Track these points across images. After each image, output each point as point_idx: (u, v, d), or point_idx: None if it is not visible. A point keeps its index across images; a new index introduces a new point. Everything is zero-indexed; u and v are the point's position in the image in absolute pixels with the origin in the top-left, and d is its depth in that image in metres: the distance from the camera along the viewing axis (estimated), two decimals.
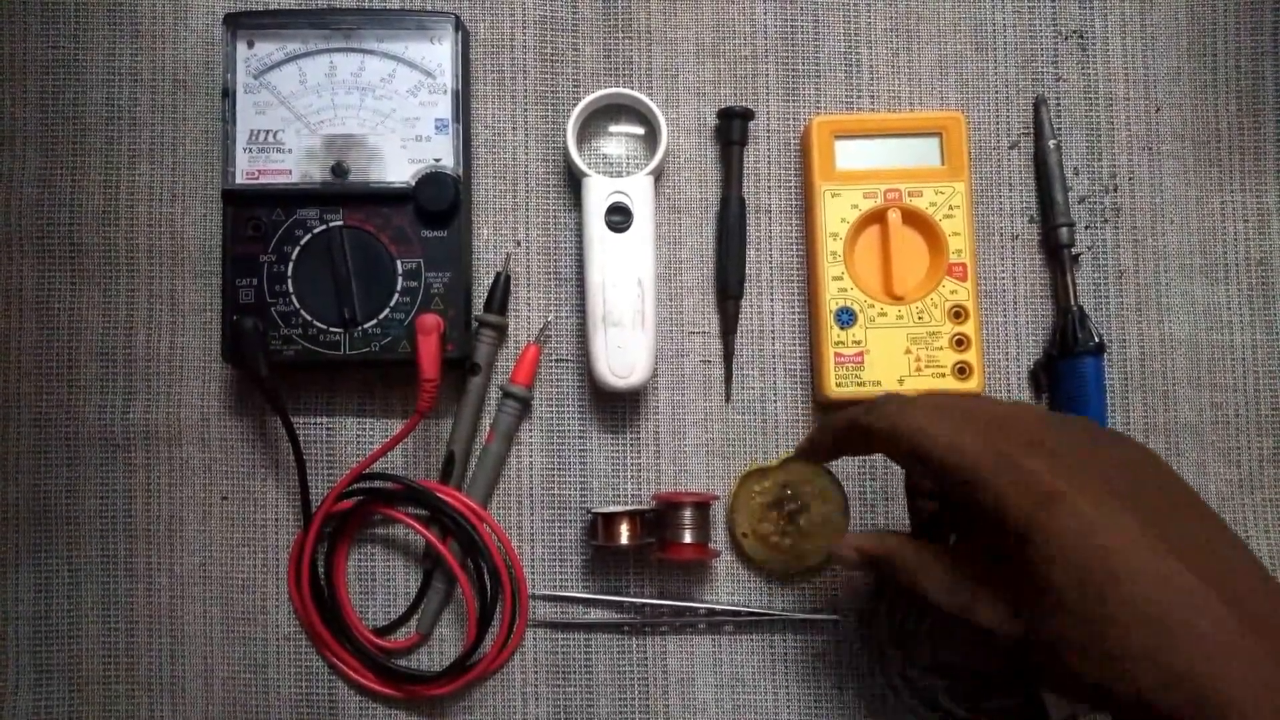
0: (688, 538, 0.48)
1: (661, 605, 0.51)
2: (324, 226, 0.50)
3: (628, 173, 0.53)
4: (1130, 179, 0.54)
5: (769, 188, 0.54)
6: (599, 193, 0.50)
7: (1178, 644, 0.31)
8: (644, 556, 0.52)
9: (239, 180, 0.50)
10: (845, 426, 0.42)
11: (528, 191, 0.54)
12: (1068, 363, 0.51)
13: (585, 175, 0.51)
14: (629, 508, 0.49)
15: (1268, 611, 0.32)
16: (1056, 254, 0.53)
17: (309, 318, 0.50)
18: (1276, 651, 0.31)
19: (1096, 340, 0.51)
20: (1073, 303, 0.52)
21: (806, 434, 0.47)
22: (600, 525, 0.49)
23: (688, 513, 0.49)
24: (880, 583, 0.48)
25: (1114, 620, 0.32)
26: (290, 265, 0.50)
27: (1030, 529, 0.34)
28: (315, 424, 0.52)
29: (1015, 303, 0.53)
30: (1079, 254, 0.53)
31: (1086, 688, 0.33)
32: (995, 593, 0.37)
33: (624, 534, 0.49)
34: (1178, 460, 0.52)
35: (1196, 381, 0.53)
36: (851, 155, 0.52)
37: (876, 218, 0.52)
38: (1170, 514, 0.35)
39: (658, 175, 0.53)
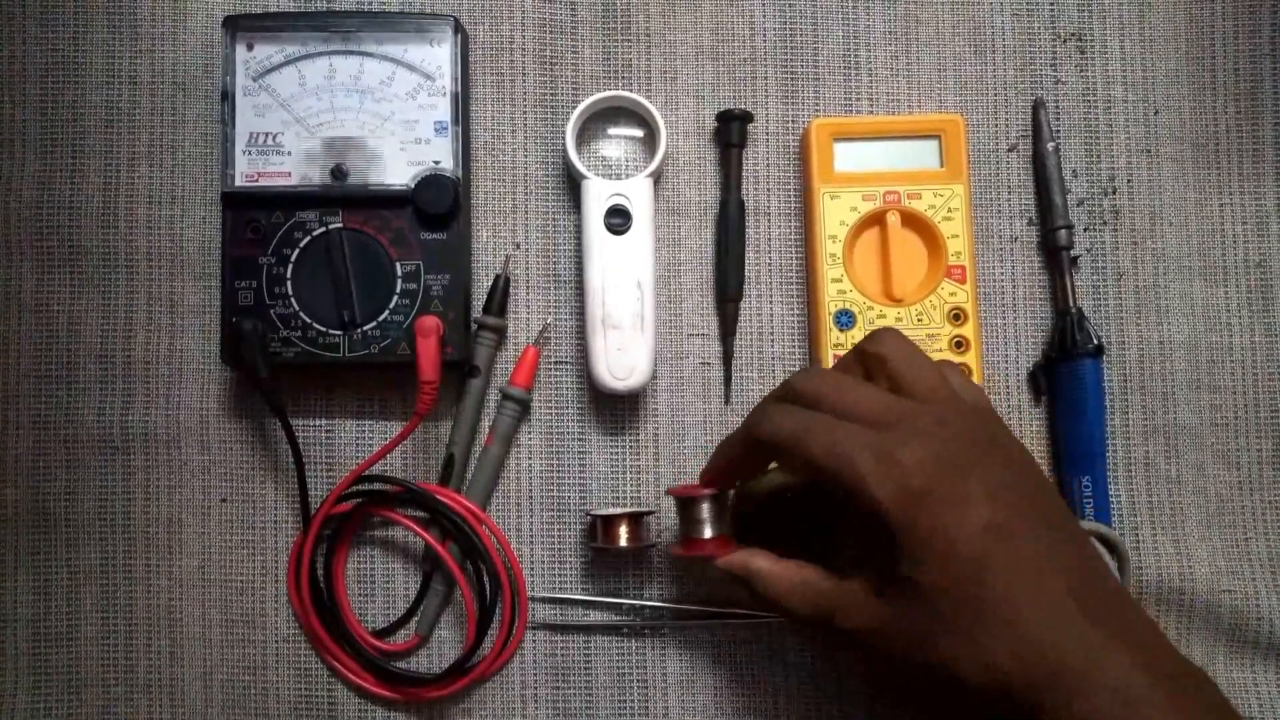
0: (707, 532, 0.46)
1: (661, 607, 0.51)
2: (323, 229, 0.50)
3: (627, 175, 0.53)
4: (1129, 181, 0.54)
5: (768, 190, 0.54)
6: (598, 195, 0.50)
7: (1032, 628, 0.35)
8: (644, 558, 0.52)
9: (238, 183, 0.50)
10: (740, 440, 0.43)
11: (527, 194, 0.54)
12: (1067, 365, 0.51)
13: (584, 178, 0.51)
14: (628, 509, 0.49)
15: (1101, 598, 0.37)
16: (1055, 256, 0.53)
17: (308, 320, 0.50)
18: (1112, 634, 0.35)
19: (1095, 342, 0.51)
20: (1072, 305, 0.52)
21: (709, 459, 0.46)
22: (600, 527, 0.49)
23: (705, 506, 0.46)
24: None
25: (977, 607, 0.36)
26: (289, 267, 0.50)
27: (899, 525, 0.36)
28: (314, 426, 0.52)
29: (1014, 305, 0.53)
30: (1078, 256, 0.53)
31: (948, 672, 0.36)
32: (856, 596, 0.39)
33: (623, 536, 0.49)
34: (1177, 463, 0.53)
35: (1196, 384, 0.53)
36: (850, 157, 0.52)
37: (875, 220, 0.52)
38: (1030, 506, 0.38)
39: (657, 178, 0.53)
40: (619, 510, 0.49)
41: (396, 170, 0.50)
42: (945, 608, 0.36)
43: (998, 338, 0.53)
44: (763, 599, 0.42)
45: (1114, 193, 0.54)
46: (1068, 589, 0.36)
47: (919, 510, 0.36)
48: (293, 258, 0.50)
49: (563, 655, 0.51)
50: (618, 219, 0.50)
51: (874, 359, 0.41)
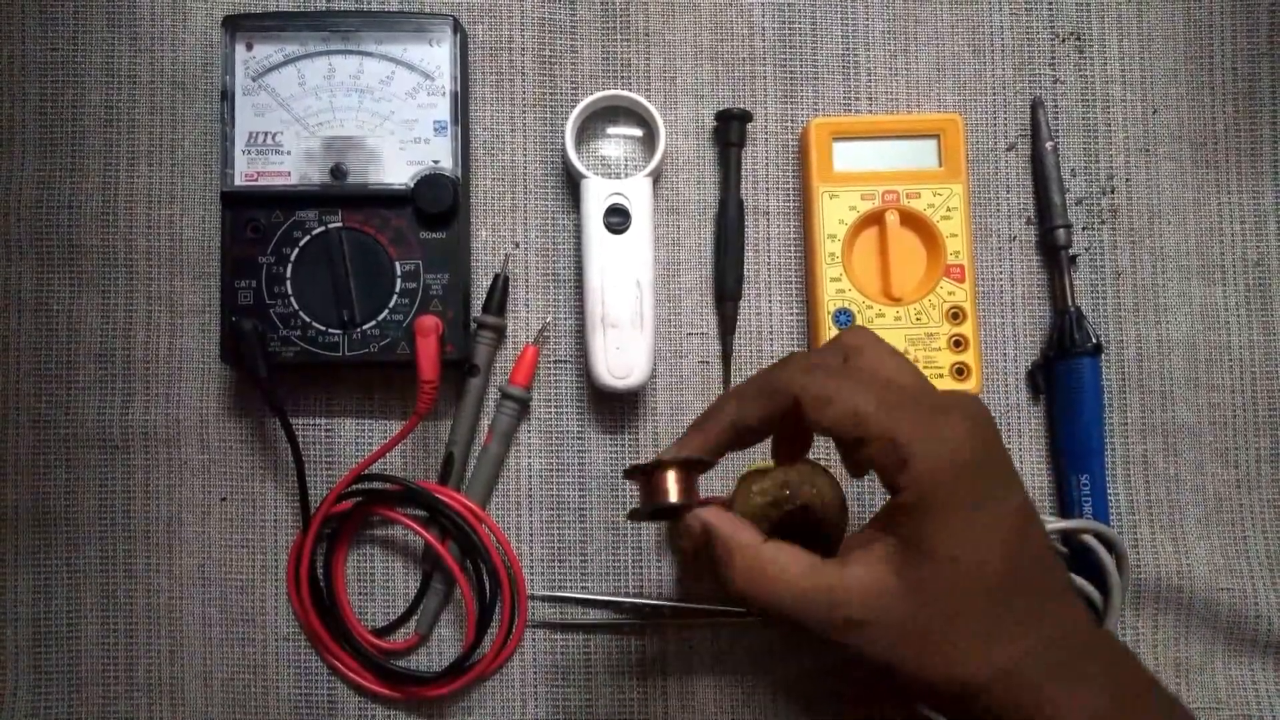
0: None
1: (661, 606, 0.51)
2: (323, 228, 0.50)
3: (626, 174, 0.53)
4: (1127, 180, 0.54)
5: (767, 189, 0.54)
6: (597, 194, 0.50)
7: (1047, 625, 0.34)
8: (644, 557, 0.52)
9: (238, 182, 0.50)
10: (755, 393, 0.37)
11: (526, 193, 0.54)
12: (1065, 364, 0.51)
13: (584, 177, 0.51)
14: (677, 456, 0.38)
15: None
16: (1054, 255, 0.53)
17: (308, 319, 0.50)
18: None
19: (1094, 341, 0.51)
20: (1070, 304, 0.52)
21: (690, 431, 0.38)
22: (643, 484, 0.38)
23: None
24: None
25: (1007, 595, 0.33)
26: (289, 267, 0.50)
27: (941, 499, 0.33)
28: (314, 425, 0.52)
29: (1013, 304, 0.54)
30: (1076, 255, 0.54)
31: (938, 673, 0.34)
32: (862, 582, 0.34)
33: (672, 489, 0.37)
34: (1175, 461, 0.53)
35: (1194, 382, 0.53)
36: (849, 157, 0.52)
37: (874, 219, 0.52)
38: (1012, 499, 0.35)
39: (656, 177, 0.53)
40: (665, 456, 0.38)
41: (396, 170, 0.50)
42: (974, 594, 0.33)
43: (996, 336, 0.53)
44: (737, 580, 0.35)
45: (1112, 192, 0.54)
46: (1063, 584, 0.36)
47: (963, 483, 0.33)
48: (292, 257, 0.50)
49: (562, 654, 0.51)
50: (617, 218, 0.50)
51: (853, 350, 0.38)
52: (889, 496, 0.35)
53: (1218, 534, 0.52)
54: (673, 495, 0.37)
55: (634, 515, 0.39)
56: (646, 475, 0.38)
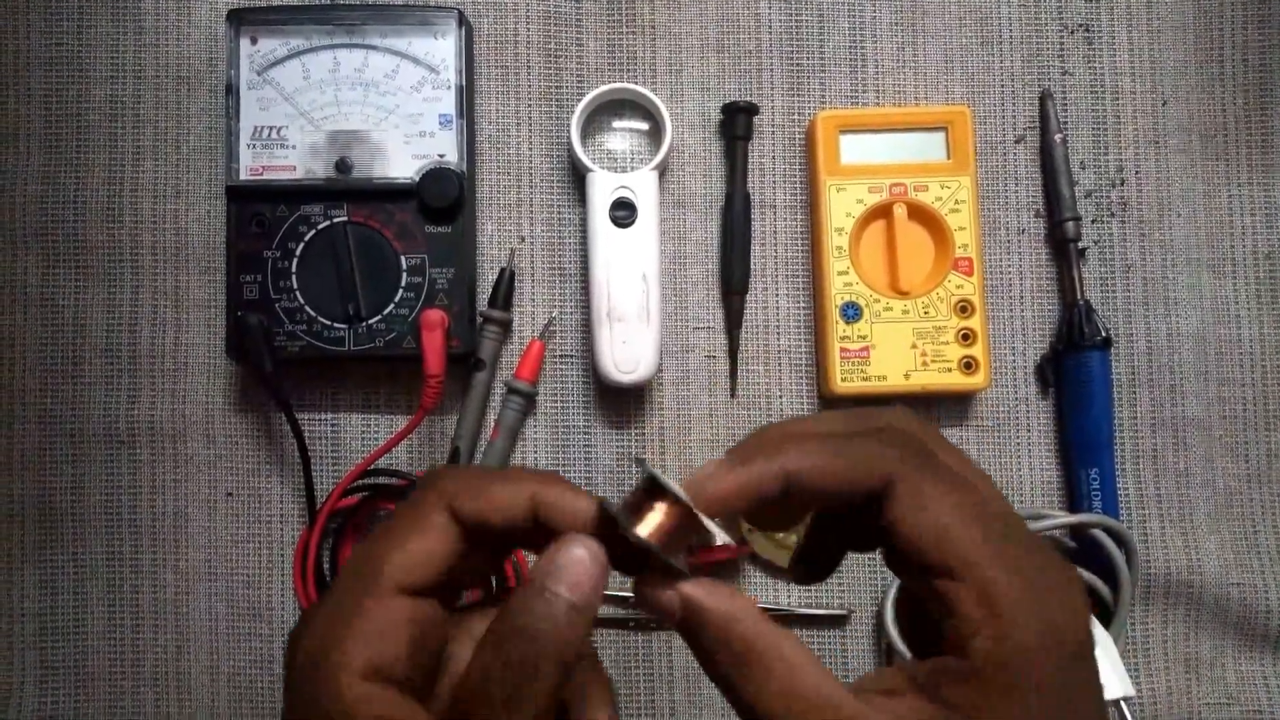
0: (719, 539, 0.30)
1: None
2: (328, 222, 0.50)
3: (632, 168, 0.53)
4: (1137, 173, 0.54)
5: (774, 183, 0.54)
6: (603, 188, 0.50)
7: None
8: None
9: (243, 176, 0.50)
10: (835, 452, 0.27)
11: (532, 187, 0.53)
12: (1074, 357, 0.51)
13: (589, 171, 0.51)
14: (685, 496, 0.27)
15: None
16: (1063, 248, 0.53)
17: (313, 314, 0.50)
18: None
19: (1103, 334, 0.51)
20: (1079, 297, 0.52)
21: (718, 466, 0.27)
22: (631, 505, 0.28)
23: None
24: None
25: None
26: (294, 261, 0.50)
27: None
28: (320, 420, 0.52)
29: (1021, 297, 0.53)
30: (1085, 248, 0.53)
31: None
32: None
33: (655, 522, 0.27)
34: (1185, 455, 0.52)
35: (1204, 375, 0.53)
36: (857, 150, 0.52)
37: (882, 212, 0.52)
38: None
39: (662, 170, 0.53)
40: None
41: (401, 163, 0.50)
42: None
43: (1005, 330, 0.53)
44: (775, 707, 0.25)
45: (1122, 184, 0.54)
46: None
47: (1060, 675, 0.25)
48: (297, 251, 0.50)
49: None
50: (623, 212, 0.50)
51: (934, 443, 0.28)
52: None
53: (1228, 528, 0.52)
54: (650, 531, 0.26)
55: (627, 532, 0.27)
56: (640, 494, 0.27)
